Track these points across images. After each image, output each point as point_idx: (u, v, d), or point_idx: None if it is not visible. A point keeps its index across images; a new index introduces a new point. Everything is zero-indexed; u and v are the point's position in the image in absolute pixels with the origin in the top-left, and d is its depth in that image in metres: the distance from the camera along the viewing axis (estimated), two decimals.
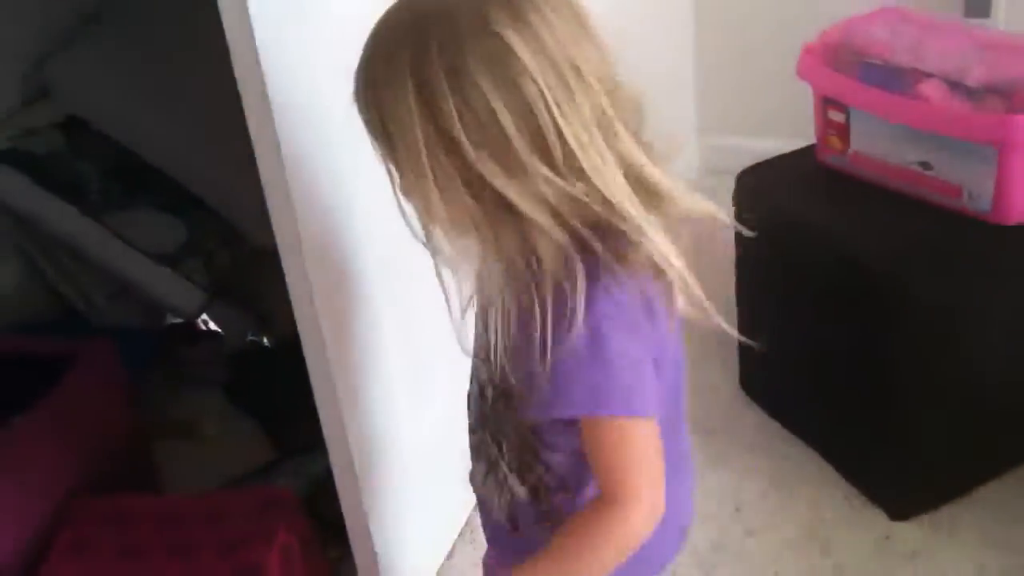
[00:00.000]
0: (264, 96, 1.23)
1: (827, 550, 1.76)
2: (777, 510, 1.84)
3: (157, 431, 2.06)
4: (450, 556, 1.81)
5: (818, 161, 1.84)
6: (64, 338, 1.95)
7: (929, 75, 1.65)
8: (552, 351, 0.93)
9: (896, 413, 1.73)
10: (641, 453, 0.98)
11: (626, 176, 0.93)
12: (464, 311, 1.04)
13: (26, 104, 2.26)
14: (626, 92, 0.95)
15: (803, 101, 1.84)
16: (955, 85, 1.63)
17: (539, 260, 0.93)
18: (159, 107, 2.22)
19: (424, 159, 0.89)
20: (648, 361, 0.98)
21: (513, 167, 0.89)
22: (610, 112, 0.92)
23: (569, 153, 0.90)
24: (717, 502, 1.86)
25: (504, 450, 1.10)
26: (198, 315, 2.29)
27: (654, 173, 0.95)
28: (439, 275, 0.99)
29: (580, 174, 0.90)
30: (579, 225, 0.92)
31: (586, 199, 0.91)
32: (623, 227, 0.93)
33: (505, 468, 1.11)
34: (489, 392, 1.09)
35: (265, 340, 2.31)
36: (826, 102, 1.77)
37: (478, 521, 1.68)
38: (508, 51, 0.87)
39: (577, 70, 0.90)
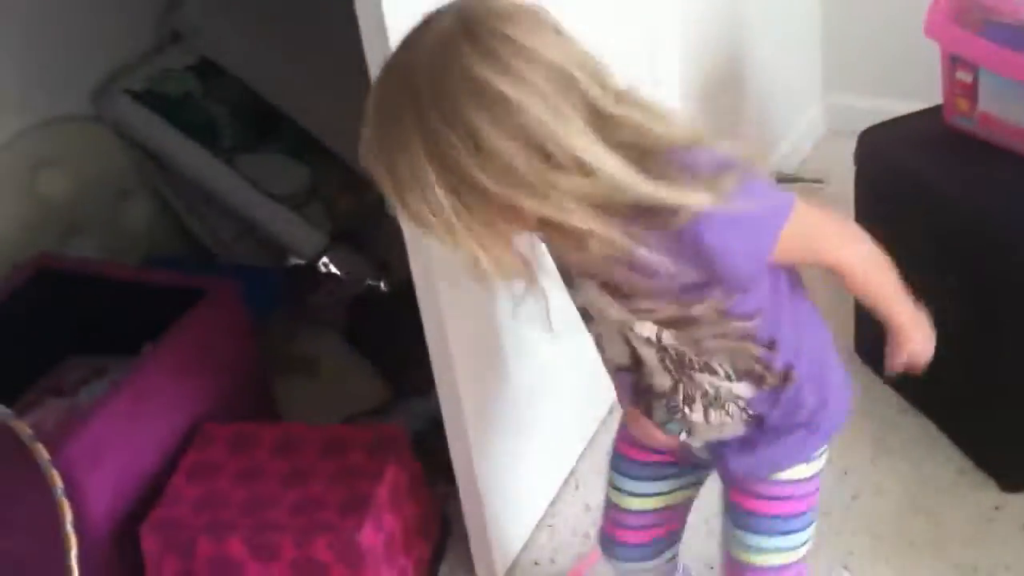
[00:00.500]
0: (386, 46, 1.25)
1: (934, 518, 1.74)
2: (884, 476, 1.82)
3: (279, 368, 2.14)
4: (554, 502, 1.84)
5: (944, 122, 1.80)
6: (193, 274, 2.04)
7: None
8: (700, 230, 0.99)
9: (1013, 382, 1.70)
10: (820, 215, 1.10)
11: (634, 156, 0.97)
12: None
13: (161, 47, 2.34)
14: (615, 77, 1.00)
15: (931, 61, 1.79)
16: None
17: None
18: (288, 54, 2.28)
19: (451, 211, 0.95)
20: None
21: (539, 189, 0.94)
22: (605, 103, 0.96)
23: (577, 158, 0.94)
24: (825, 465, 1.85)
25: (719, 366, 1.15)
26: (319, 258, 2.36)
27: (657, 144, 0.99)
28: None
29: (591, 171, 0.95)
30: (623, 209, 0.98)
31: (611, 191, 0.96)
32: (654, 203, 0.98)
33: (725, 383, 1.17)
34: (668, 337, 1.13)
35: (383, 285, 2.37)
36: (954, 61, 1.72)
37: (584, 467, 1.73)
38: (494, 92, 0.92)
39: (561, 76, 0.95)
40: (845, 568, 1.67)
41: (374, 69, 1.29)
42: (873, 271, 1.17)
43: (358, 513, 1.52)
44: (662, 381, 1.19)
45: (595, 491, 1.65)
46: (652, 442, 1.28)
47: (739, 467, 1.26)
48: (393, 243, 1.46)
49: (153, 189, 2.31)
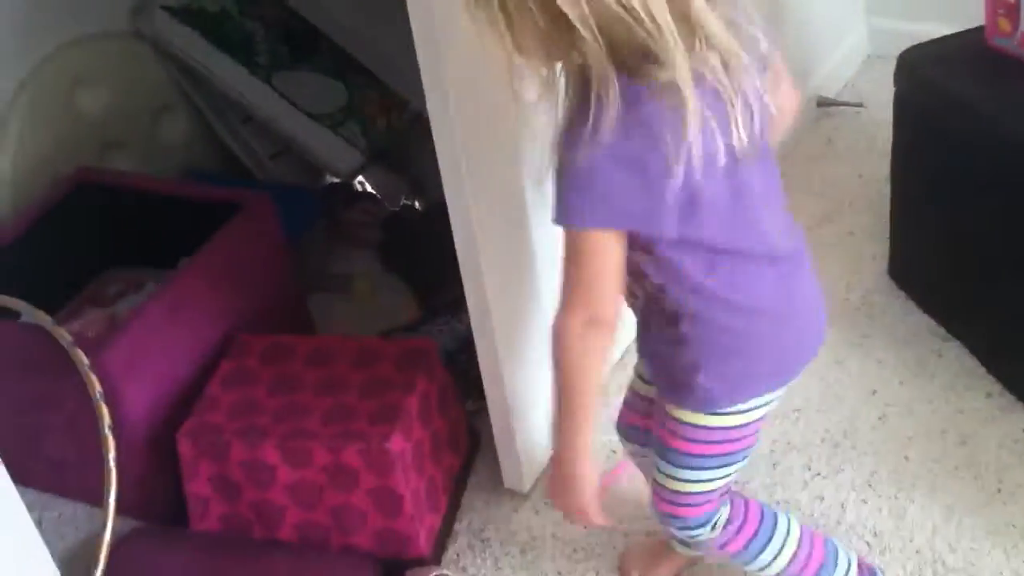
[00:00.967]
0: None
1: (963, 440, 1.74)
2: (914, 399, 1.82)
3: (314, 284, 2.17)
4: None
5: (985, 43, 1.76)
6: (228, 188, 2.06)
7: None
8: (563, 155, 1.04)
9: None
10: (590, 265, 1.10)
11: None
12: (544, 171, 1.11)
13: None
14: None
15: None
16: None
17: (587, 68, 1.01)
18: None
19: None
20: (663, 176, 1.04)
21: None
22: None
23: None
24: (852, 385, 1.86)
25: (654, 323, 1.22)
26: (355, 176, 2.38)
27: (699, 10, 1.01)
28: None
29: None
30: (620, 45, 1.00)
31: (631, 19, 0.98)
32: (656, 50, 1.00)
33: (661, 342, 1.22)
34: None
35: (417, 204, 2.38)
36: None
37: (611, 385, 1.73)
38: None
39: None
40: (869, 486, 1.68)
41: None
42: (557, 341, 1.15)
43: (388, 422, 1.55)
44: None
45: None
46: None
47: (647, 372, 1.31)
48: (428, 163, 1.46)
49: (191, 105, 2.33)
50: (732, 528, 1.36)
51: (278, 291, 1.93)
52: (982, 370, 1.85)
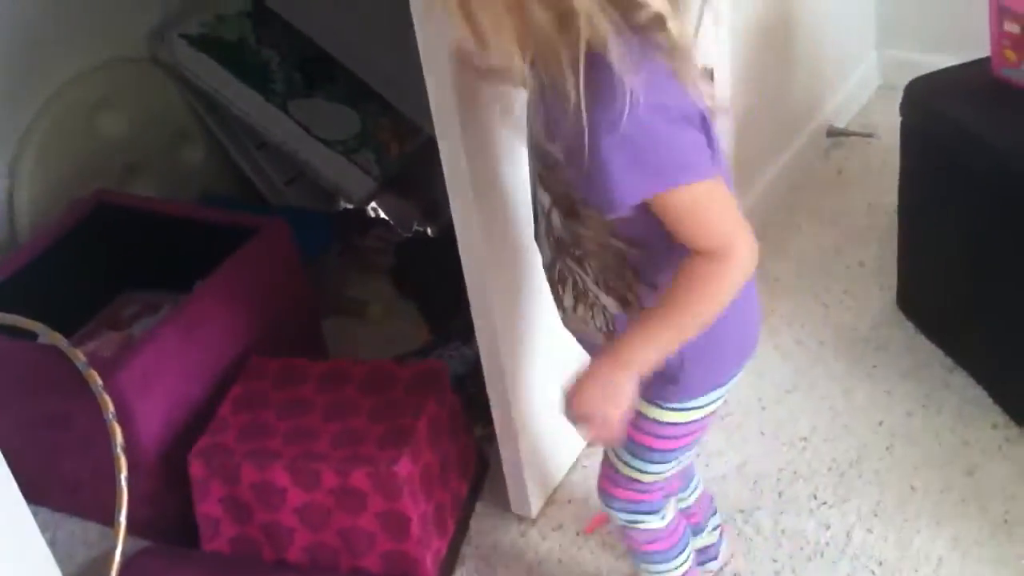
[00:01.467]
0: None
1: (969, 471, 1.74)
2: (922, 429, 1.82)
3: (327, 309, 2.19)
4: (589, 443, 1.87)
5: (992, 73, 1.78)
6: (245, 212, 2.08)
7: None
8: (600, 134, 0.99)
9: None
10: (721, 207, 1.07)
11: None
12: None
13: None
14: None
15: (986, 16, 1.77)
16: None
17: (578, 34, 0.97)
18: (340, 1, 2.31)
19: None
20: (696, 121, 1.03)
21: None
22: None
23: None
24: (861, 416, 1.87)
25: (588, 268, 1.19)
26: (368, 202, 2.40)
27: None
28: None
29: None
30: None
31: None
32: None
33: (592, 287, 1.20)
34: (556, 217, 1.17)
35: (430, 230, 2.40)
36: (1002, 11, 1.70)
37: None
38: None
39: None
40: (875, 515, 1.69)
41: (415, 12, 1.32)
42: (722, 282, 1.09)
43: (397, 446, 1.56)
44: (545, 252, 1.26)
45: None
46: None
47: None
48: (441, 189, 1.49)
49: (208, 132, 2.36)
50: (668, 529, 1.43)
51: (292, 314, 1.95)
52: (989, 401, 1.85)
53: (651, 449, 1.31)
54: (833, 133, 2.55)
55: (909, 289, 2.03)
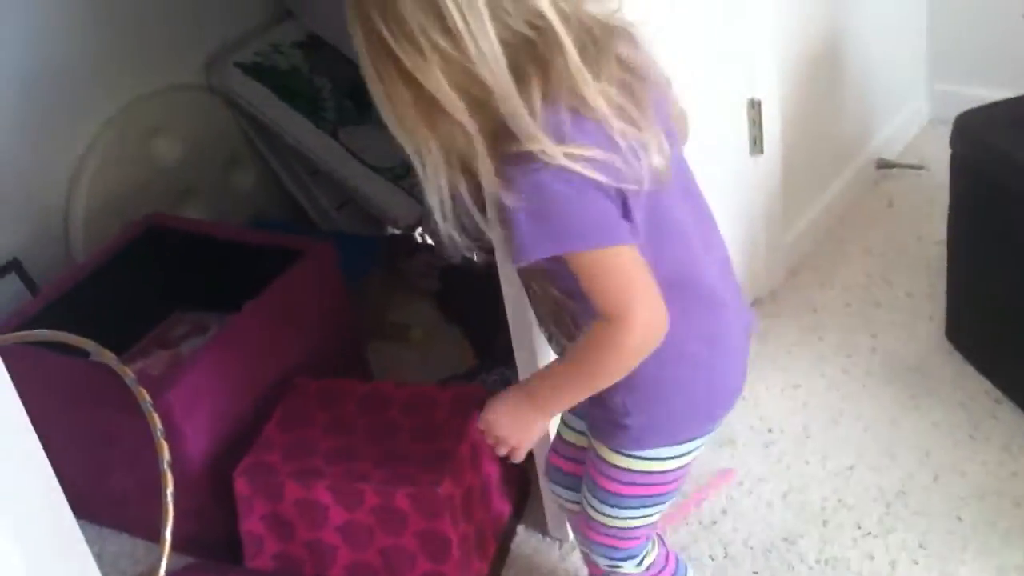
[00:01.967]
0: None
1: (1017, 503, 1.72)
2: (968, 460, 1.80)
3: (372, 332, 2.21)
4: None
5: None
6: (292, 235, 2.12)
7: None
8: (511, 189, 1.05)
9: None
10: (623, 274, 1.10)
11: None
12: (446, 216, 1.17)
13: (271, 23, 2.43)
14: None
15: None
16: None
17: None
18: None
19: (372, 68, 1.07)
20: (611, 190, 1.07)
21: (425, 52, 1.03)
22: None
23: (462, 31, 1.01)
24: (907, 446, 1.85)
25: (544, 311, 1.28)
26: (415, 227, 2.42)
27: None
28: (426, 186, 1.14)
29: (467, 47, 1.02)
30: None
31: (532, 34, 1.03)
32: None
33: (553, 327, 1.27)
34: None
35: (475, 256, 2.41)
36: None
37: None
38: None
39: None
40: (921, 547, 1.66)
41: None
42: (612, 348, 1.12)
43: (439, 467, 1.57)
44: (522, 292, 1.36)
45: None
46: None
47: (579, 407, 1.31)
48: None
49: (260, 157, 2.41)
50: (653, 571, 1.43)
51: (337, 336, 1.97)
52: None
53: (620, 496, 1.31)
54: (883, 165, 2.53)
55: (958, 320, 2.01)
